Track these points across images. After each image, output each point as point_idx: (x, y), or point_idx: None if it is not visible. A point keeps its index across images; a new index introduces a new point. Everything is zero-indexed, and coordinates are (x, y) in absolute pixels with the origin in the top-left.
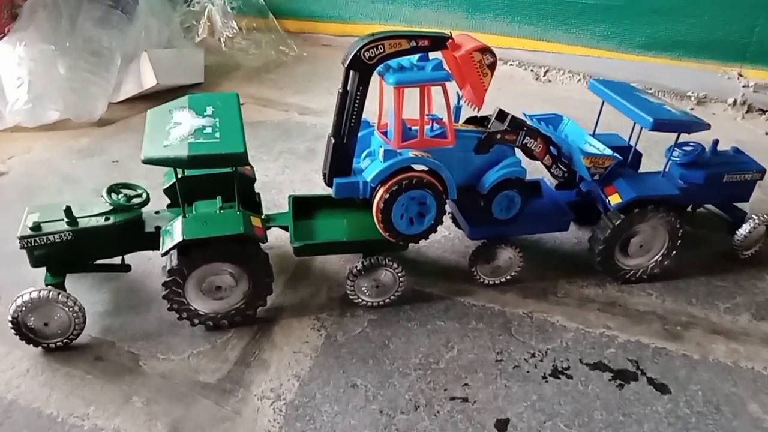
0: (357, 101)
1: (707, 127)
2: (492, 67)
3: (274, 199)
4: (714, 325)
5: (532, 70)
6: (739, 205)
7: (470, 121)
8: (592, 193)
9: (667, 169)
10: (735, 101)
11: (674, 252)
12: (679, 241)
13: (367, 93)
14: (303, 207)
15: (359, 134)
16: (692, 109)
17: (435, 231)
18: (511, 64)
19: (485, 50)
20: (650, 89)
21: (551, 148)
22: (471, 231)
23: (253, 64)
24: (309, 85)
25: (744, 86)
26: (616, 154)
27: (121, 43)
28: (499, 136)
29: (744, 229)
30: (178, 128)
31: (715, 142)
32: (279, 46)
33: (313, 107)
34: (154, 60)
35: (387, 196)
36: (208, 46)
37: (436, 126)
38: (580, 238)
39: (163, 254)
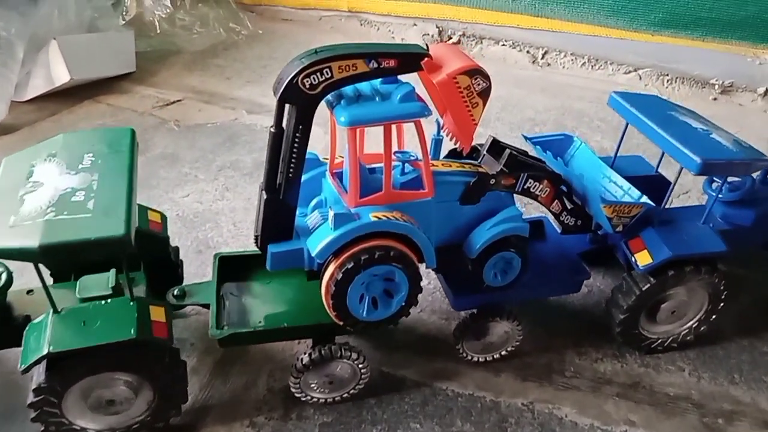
0: (296, 144)
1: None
2: (485, 94)
3: (208, 240)
4: (764, 415)
5: (528, 52)
6: None
7: (453, 155)
8: (610, 240)
9: (708, 213)
10: (766, 90)
11: (714, 317)
12: (722, 305)
13: (310, 131)
14: (234, 270)
15: (306, 175)
16: (715, 99)
17: (407, 314)
18: (503, 44)
19: (475, 72)
20: (667, 75)
21: (561, 186)
22: (456, 301)
23: (197, 47)
24: (263, 72)
25: None
26: (646, 200)
27: (23, 28)
28: (493, 181)
29: None
30: (37, 194)
31: (766, 172)
32: (229, 23)
33: (266, 103)
34: (67, 49)
35: (340, 275)
36: (140, 27)
37: (408, 168)
38: (592, 286)
39: (23, 371)
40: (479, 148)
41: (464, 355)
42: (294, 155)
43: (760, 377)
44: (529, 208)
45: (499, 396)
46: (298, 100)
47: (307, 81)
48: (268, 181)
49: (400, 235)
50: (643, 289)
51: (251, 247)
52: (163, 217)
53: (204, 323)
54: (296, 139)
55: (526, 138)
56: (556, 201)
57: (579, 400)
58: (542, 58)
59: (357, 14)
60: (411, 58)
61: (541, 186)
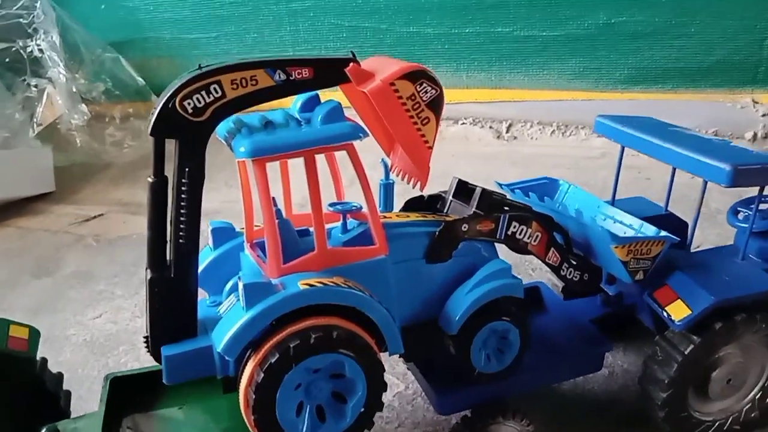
0: (184, 195)
1: None
2: (436, 106)
3: (121, 366)
4: None
5: (491, 127)
6: None
7: (412, 206)
8: (628, 298)
9: (746, 247)
10: (755, 135)
11: None
12: None
13: (203, 175)
14: (133, 394)
15: (219, 250)
16: None
17: (369, 426)
18: (463, 123)
19: (419, 75)
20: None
21: (554, 232)
22: (440, 402)
23: (129, 159)
24: None
25: (763, 115)
26: (667, 234)
27: None
28: (465, 226)
29: None
30: None
31: None
32: None
33: (206, 207)
34: None
35: (261, 376)
36: (60, 142)
37: (352, 224)
38: (613, 365)
39: None
40: (443, 195)
41: None
42: (183, 212)
43: None
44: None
45: None
46: (180, 131)
47: (189, 104)
48: (152, 254)
49: (347, 310)
50: (687, 353)
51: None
52: (33, 333)
53: None
54: (183, 188)
55: (500, 185)
56: (552, 250)
57: None
58: (507, 131)
59: None
60: (331, 65)
61: (529, 230)
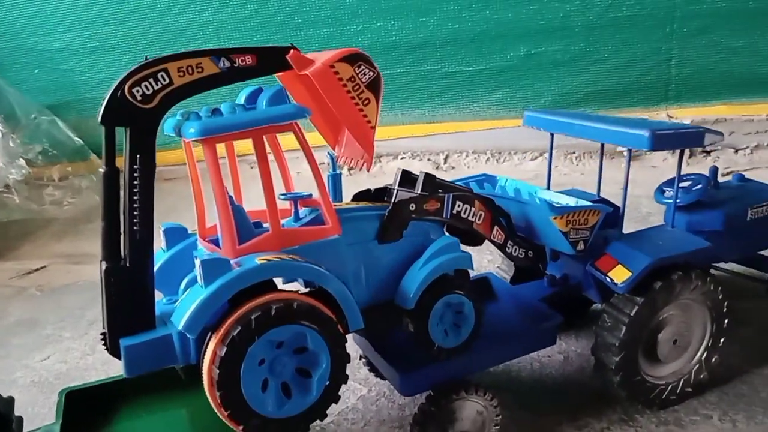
0: (137, 184)
1: (721, 136)
2: (375, 87)
3: None
4: None
5: (429, 159)
6: None
7: (360, 198)
8: (572, 278)
9: (673, 218)
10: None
11: (723, 339)
12: (727, 321)
13: (155, 163)
14: (92, 410)
15: (171, 250)
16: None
17: (336, 399)
18: (402, 157)
19: (357, 58)
20: (573, 152)
21: (497, 213)
22: (403, 381)
23: (70, 215)
24: None
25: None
26: (602, 204)
27: None
28: (413, 206)
29: None
30: None
31: (714, 170)
32: None
33: None
34: None
35: (224, 351)
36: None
37: (304, 212)
38: (567, 351)
39: None
40: (389, 187)
41: None
42: (137, 200)
43: None
44: None
45: None
46: (130, 119)
47: (138, 91)
48: (106, 244)
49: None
50: (632, 314)
51: None
52: None
53: None
54: (135, 177)
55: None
56: (497, 228)
57: None
58: (445, 162)
59: (243, 157)
60: (273, 52)
61: (472, 209)
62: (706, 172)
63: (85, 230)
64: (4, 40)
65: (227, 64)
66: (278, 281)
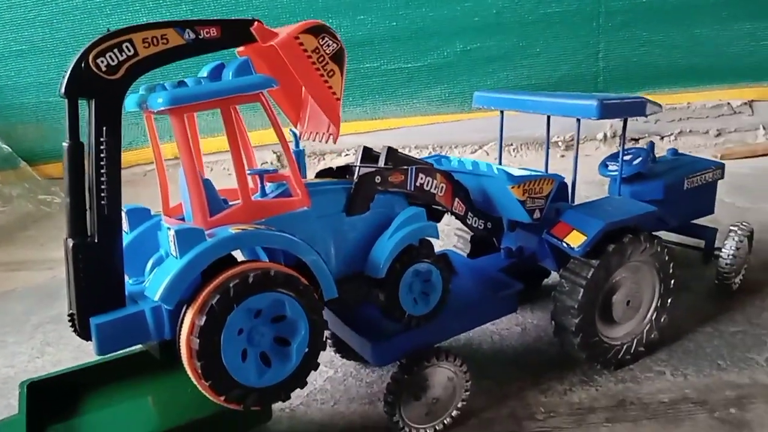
0: (104, 157)
1: (660, 107)
2: (339, 59)
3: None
4: None
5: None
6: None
7: (323, 176)
8: (526, 250)
9: (616, 189)
10: (605, 135)
11: (671, 300)
12: (673, 281)
13: (121, 135)
14: (54, 401)
15: (135, 231)
16: (563, 156)
17: (315, 367)
18: (346, 154)
19: (320, 30)
20: (511, 144)
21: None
22: (375, 351)
23: (1, 224)
24: None
25: None
26: (555, 173)
27: None
28: (378, 178)
29: (729, 247)
30: None
31: (651, 145)
32: (38, 196)
33: None
34: None
35: (203, 320)
36: None
37: (271, 188)
38: (523, 323)
39: None
40: (351, 165)
41: (407, 430)
42: (104, 174)
43: (745, 356)
44: None
45: None
46: (95, 91)
47: (102, 61)
48: (73, 221)
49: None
50: (589, 277)
51: None
52: None
53: None
54: (102, 150)
55: None
56: (457, 200)
57: None
58: None
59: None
60: (237, 24)
61: (435, 182)
62: None
63: (21, 237)
64: None
65: (192, 35)
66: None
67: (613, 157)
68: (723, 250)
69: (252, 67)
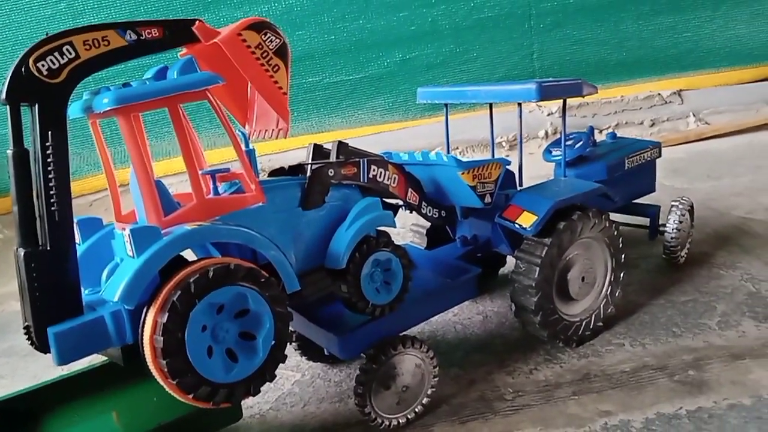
0: (51, 162)
1: (595, 89)
2: (282, 54)
3: None
4: (726, 350)
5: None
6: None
7: (277, 174)
8: (481, 237)
9: (561, 172)
10: (546, 132)
11: (623, 274)
12: (624, 256)
13: (67, 140)
14: (12, 422)
15: (88, 242)
16: (508, 155)
17: (282, 359)
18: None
19: (262, 26)
20: (457, 148)
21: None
22: (342, 344)
23: None
24: None
25: (548, 114)
26: (501, 157)
27: None
28: (332, 171)
29: (673, 221)
30: None
31: (591, 130)
32: None
33: None
34: None
35: (165, 318)
36: None
37: (224, 187)
38: (484, 311)
39: None
40: (303, 163)
41: (380, 421)
42: (52, 179)
43: (698, 322)
44: None
45: None
46: (37, 95)
47: (43, 65)
48: (23, 229)
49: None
50: (543, 255)
51: None
52: None
53: None
54: (49, 155)
55: None
56: (411, 190)
57: (537, 416)
58: None
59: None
60: (179, 24)
61: (387, 173)
62: None
63: None
64: None
65: (134, 36)
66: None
67: (556, 143)
68: (667, 225)
69: (197, 65)
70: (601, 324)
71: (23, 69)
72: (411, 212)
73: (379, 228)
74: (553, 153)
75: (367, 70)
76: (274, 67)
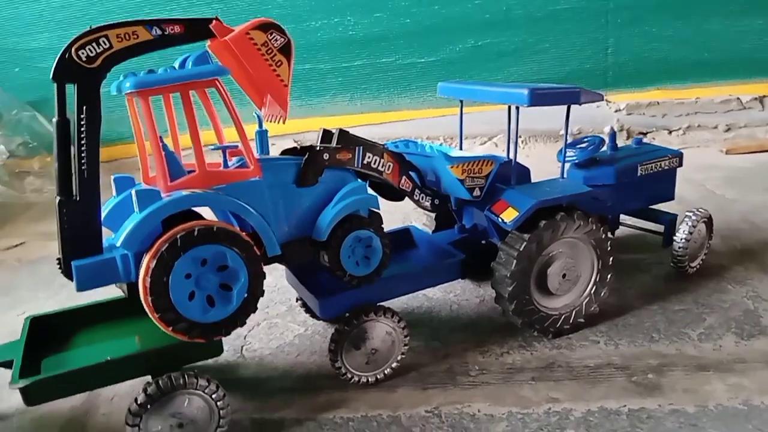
0: (84, 131)
1: (600, 97)
2: (286, 51)
3: None
4: (695, 360)
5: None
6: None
7: (289, 153)
8: (479, 227)
9: (565, 174)
10: (612, 129)
11: (610, 276)
12: (612, 258)
13: (100, 115)
14: (52, 333)
15: (123, 195)
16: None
17: (253, 309)
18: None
19: (269, 27)
20: (520, 137)
21: (406, 165)
22: (321, 305)
23: (47, 200)
24: None
25: (616, 111)
26: (496, 155)
27: None
28: (326, 155)
29: (683, 232)
30: None
31: (613, 134)
32: None
33: None
34: None
35: (154, 264)
36: None
37: (234, 161)
38: (483, 295)
39: None
40: (314, 145)
41: (349, 376)
42: (83, 144)
43: (680, 331)
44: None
45: (398, 410)
46: (77, 77)
47: (83, 53)
48: (60, 182)
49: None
50: (521, 249)
51: None
52: None
53: (31, 422)
54: (82, 126)
55: None
56: (405, 178)
57: (491, 393)
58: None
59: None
60: (198, 22)
61: (382, 161)
62: None
63: None
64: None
65: (159, 32)
66: None
67: (571, 144)
68: (676, 234)
69: (210, 58)
70: (582, 320)
71: (66, 55)
72: (403, 199)
73: (374, 210)
74: (568, 155)
75: (439, 54)
76: (278, 62)
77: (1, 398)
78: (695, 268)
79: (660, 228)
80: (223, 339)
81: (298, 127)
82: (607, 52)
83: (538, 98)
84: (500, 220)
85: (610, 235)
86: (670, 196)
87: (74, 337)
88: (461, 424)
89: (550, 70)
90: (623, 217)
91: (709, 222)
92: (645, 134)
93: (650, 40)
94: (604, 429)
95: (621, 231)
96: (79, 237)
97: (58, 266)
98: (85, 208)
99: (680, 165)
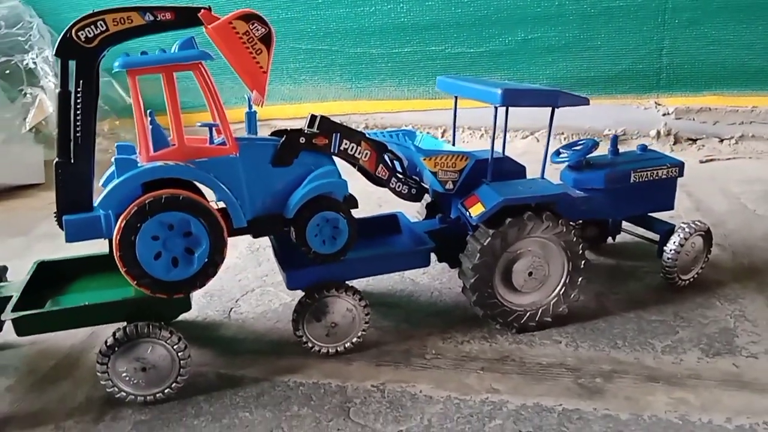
0: (80, 102)
1: (585, 101)
2: (266, 41)
3: None
4: (649, 371)
5: (428, 132)
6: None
7: (278, 134)
8: (461, 218)
9: (545, 174)
10: (658, 132)
11: (581, 279)
12: (584, 262)
13: (96, 90)
14: (56, 276)
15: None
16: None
17: (213, 274)
18: (405, 128)
19: (251, 17)
20: (562, 134)
21: (391, 161)
22: (288, 277)
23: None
24: None
25: (664, 114)
26: (471, 151)
27: None
28: (302, 139)
29: (673, 243)
30: None
31: (615, 138)
32: None
33: None
34: None
35: (124, 223)
36: (53, 143)
37: (218, 139)
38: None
39: None
40: (303, 129)
41: (310, 345)
42: (79, 113)
43: (647, 341)
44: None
45: (347, 381)
46: (76, 54)
47: (82, 34)
48: (59, 145)
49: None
50: (485, 243)
51: None
52: None
53: (36, 352)
54: (79, 96)
55: (368, 134)
56: (381, 166)
57: (437, 377)
58: (442, 136)
59: (267, 122)
60: (188, 11)
61: (359, 148)
62: (693, 159)
63: None
64: (70, 10)
65: (151, 17)
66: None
67: (567, 146)
68: (666, 245)
69: (195, 44)
70: (549, 319)
71: (68, 35)
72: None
73: (351, 195)
74: (561, 156)
75: (488, 45)
76: (258, 50)
77: None
78: (687, 282)
79: (654, 236)
80: (218, 301)
81: (343, 109)
82: (661, 53)
83: (512, 99)
84: (468, 214)
85: (580, 238)
86: (668, 206)
87: (76, 282)
88: (400, 402)
89: (600, 68)
90: (625, 224)
91: (707, 236)
92: (695, 140)
93: (708, 43)
94: (531, 424)
95: (628, 238)
96: (72, 195)
97: (55, 218)
98: (79, 169)
99: (680, 175)
